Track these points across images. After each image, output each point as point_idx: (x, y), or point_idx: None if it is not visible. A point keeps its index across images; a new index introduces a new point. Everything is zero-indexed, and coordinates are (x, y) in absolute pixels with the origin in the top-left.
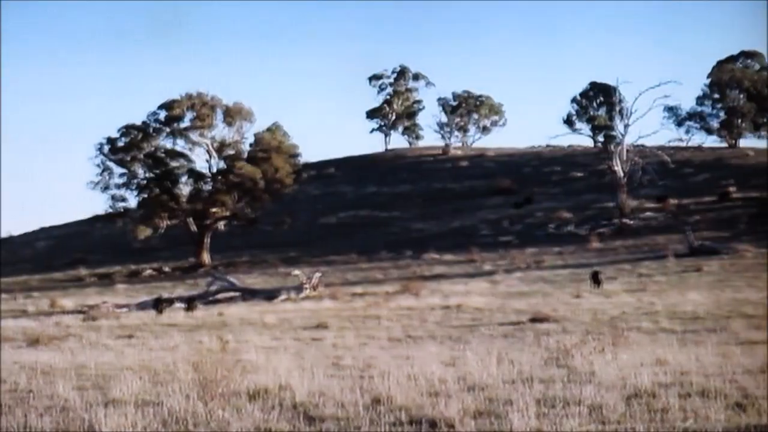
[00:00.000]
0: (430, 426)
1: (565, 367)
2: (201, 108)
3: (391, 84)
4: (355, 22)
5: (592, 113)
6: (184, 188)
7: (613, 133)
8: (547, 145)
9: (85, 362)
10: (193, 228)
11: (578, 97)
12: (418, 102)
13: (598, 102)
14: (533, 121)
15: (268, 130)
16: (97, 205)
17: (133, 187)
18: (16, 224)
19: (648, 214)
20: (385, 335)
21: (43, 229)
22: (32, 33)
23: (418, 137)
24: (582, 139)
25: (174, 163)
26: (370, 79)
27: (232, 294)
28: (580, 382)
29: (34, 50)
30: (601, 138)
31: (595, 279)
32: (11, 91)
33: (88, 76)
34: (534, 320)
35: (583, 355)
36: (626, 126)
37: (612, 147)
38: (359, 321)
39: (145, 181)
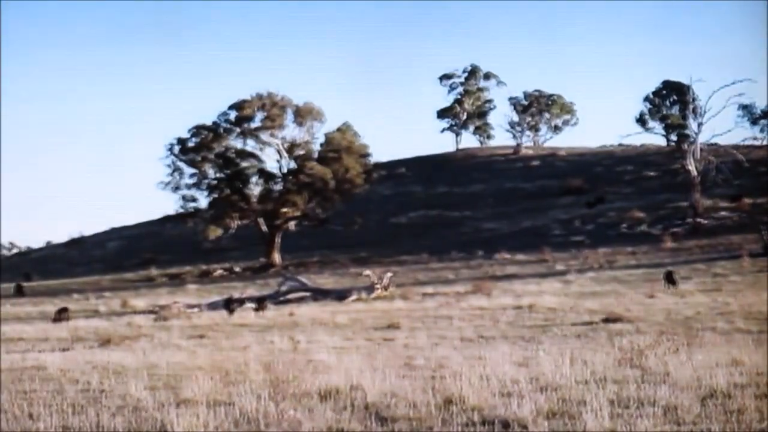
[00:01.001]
0: (503, 426)
1: (639, 367)
2: (271, 108)
3: (462, 83)
4: (425, 21)
5: (665, 112)
6: (255, 188)
7: (687, 131)
8: (620, 144)
9: (157, 362)
10: (264, 228)
11: (651, 96)
12: (489, 101)
13: (671, 100)
14: (605, 120)
15: (339, 130)
16: (168, 205)
17: (204, 188)
18: (88, 225)
19: (722, 213)
20: (457, 335)
21: (114, 230)
22: (102, 32)
23: (489, 137)
24: (655, 138)
25: (244, 164)
26: (441, 78)
27: (302, 294)
28: (654, 383)
29: (108, 50)
30: (674, 137)
31: (670, 279)
32: (82, 92)
33: (158, 76)
34: (607, 320)
35: (657, 355)
36: (700, 125)
37: (685, 146)
38: (431, 321)
39: (215, 182)
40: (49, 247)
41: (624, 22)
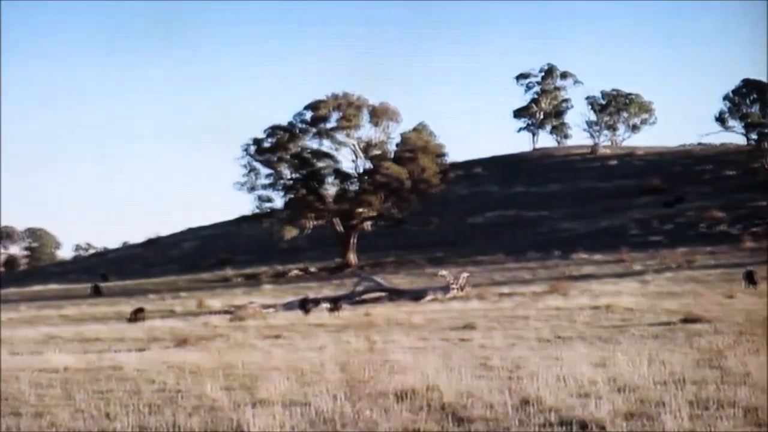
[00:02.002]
0: (580, 427)
1: (718, 368)
2: (347, 108)
3: (538, 83)
4: (502, 20)
5: (745, 111)
6: (331, 188)
7: (767, 130)
8: (699, 144)
9: (233, 362)
10: (340, 228)
11: (731, 95)
12: (566, 101)
13: (751, 99)
14: (684, 119)
15: (414, 129)
16: (244, 205)
17: (280, 188)
18: (164, 225)
19: None
20: (534, 336)
21: (190, 230)
22: (178, 33)
23: (566, 136)
24: (735, 137)
25: (320, 164)
26: (518, 77)
27: (378, 294)
28: (734, 384)
29: (185, 52)
30: (754, 136)
31: (750, 278)
32: (159, 94)
33: (235, 77)
34: (685, 321)
35: (736, 356)
36: None
37: (765, 145)
38: (507, 321)
39: (291, 182)
40: (126, 248)
41: (703, 21)
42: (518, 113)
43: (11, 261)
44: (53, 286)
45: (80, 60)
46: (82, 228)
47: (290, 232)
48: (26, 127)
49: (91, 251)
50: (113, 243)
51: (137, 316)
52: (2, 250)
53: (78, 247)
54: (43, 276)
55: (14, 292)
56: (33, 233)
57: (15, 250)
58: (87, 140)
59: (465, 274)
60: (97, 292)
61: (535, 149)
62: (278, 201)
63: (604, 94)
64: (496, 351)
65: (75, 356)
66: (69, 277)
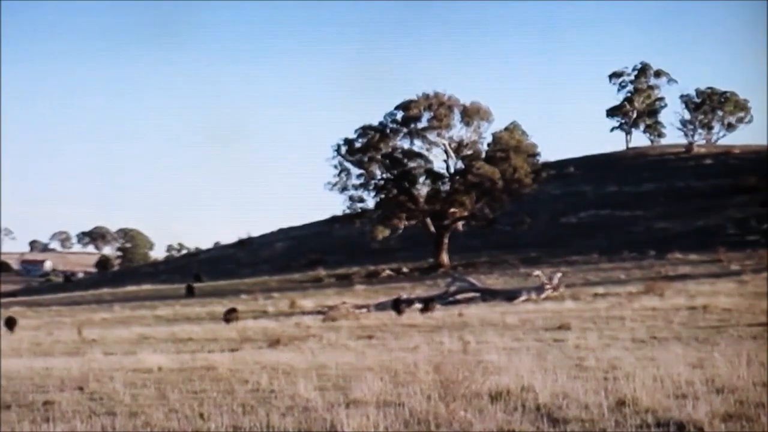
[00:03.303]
0: (677, 429)
1: None
2: (438, 108)
3: (631, 81)
4: (596, 19)
5: None
6: (422, 189)
7: None
8: None
9: (326, 363)
10: (432, 228)
11: None
12: (660, 99)
13: None
14: None
15: (507, 129)
16: (335, 206)
17: (371, 188)
18: (256, 225)
19: None
20: (629, 336)
21: (281, 230)
22: (260, 33)
23: (660, 135)
24: None
25: (412, 164)
26: (611, 76)
27: (471, 295)
28: None
29: (275, 53)
30: None
31: None
32: (254, 95)
33: (325, 77)
34: None
35: None
36: None
37: None
38: (602, 322)
39: (382, 182)
40: (218, 248)
41: None
42: (611, 112)
43: (104, 261)
44: (146, 287)
45: (166, 60)
46: (174, 228)
47: (382, 233)
48: (120, 129)
49: (184, 252)
50: (205, 243)
51: (230, 316)
52: (96, 251)
53: (170, 248)
54: (136, 276)
55: (108, 293)
56: (126, 234)
57: (108, 250)
58: (181, 142)
59: (559, 274)
60: (190, 293)
61: (628, 148)
62: (370, 201)
63: (698, 93)
64: (591, 351)
65: (168, 356)
66: (161, 278)
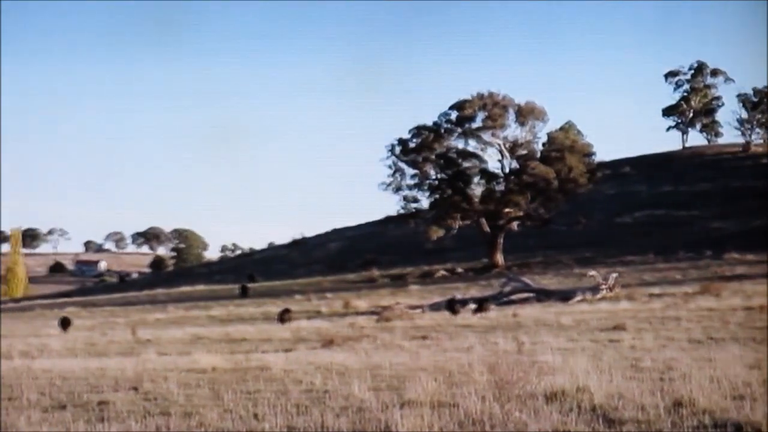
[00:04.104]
0: (735, 430)
1: None
2: (493, 108)
3: (688, 81)
4: (651, 19)
5: None
6: (477, 189)
7: None
8: None
9: (380, 363)
10: (486, 228)
11: None
12: (717, 99)
13: None
14: None
15: (561, 129)
16: (389, 206)
17: (425, 188)
18: (310, 226)
19: None
20: (685, 337)
21: (335, 231)
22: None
23: (717, 134)
24: None
25: (466, 164)
26: (666, 76)
27: (526, 295)
28: None
29: (335, 54)
30: None
31: None
32: (309, 98)
33: (379, 78)
34: None
35: None
36: None
37: None
38: (657, 322)
39: (437, 182)
40: (272, 249)
41: None
42: (667, 112)
43: (158, 262)
44: (200, 287)
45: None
46: (228, 229)
47: (436, 233)
48: (176, 130)
49: (238, 252)
50: (259, 244)
51: (284, 316)
52: (150, 251)
53: (224, 248)
54: (190, 277)
55: (162, 293)
56: (180, 234)
57: (162, 251)
58: (235, 143)
59: (614, 275)
60: (244, 293)
61: (684, 148)
62: (424, 201)
63: (756, 92)
64: (646, 352)
65: (223, 356)
66: (215, 278)
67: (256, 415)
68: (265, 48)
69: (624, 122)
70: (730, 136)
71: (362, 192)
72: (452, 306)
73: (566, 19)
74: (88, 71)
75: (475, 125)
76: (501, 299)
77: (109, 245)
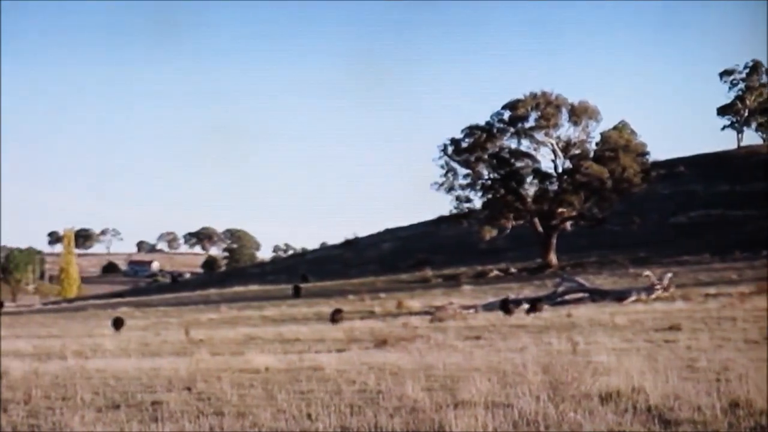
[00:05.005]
0: None
1: None
2: (546, 107)
3: (743, 79)
4: (705, 17)
5: None
6: (530, 188)
7: None
8: None
9: (433, 363)
10: (540, 228)
11: None
12: None
13: None
14: None
15: (615, 128)
16: (442, 206)
17: (478, 188)
18: (362, 226)
19: None
20: (741, 337)
21: (388, 231)
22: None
23: None
24: None
25: (519, 164)
26: (722, 74)
27: (580, 295)
28: None
29: (390, 54)
30: None
31: None
32: (361, 96)
33: (432, 78)
34: None
35: None
36: None
37: None
38: (713, 322)
39: (489, 182)
40: (324, 249)
41: None
42: (722, 111)
43: (211, 262)
44: (253, 287)
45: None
46: (280, 229)
47: (489, 233)
48: (229, 130)
49: (290, 252)
50: (312, 244)
51: (337, 316)
52: (202, 251)
53: (277, 248)
54: (243, 277)
55: (214, 293)
56: (232, 234)
57: (215, 251)
58: (292, 143)
59: (669, 275)
60: (296, 293)
61: (740, 147)
62: (477, 201)
63: None
64: (702, 352)
65: (276, 357)
66: (268, 278)
67: (309, 416)
68: (306, 49)
69: (679, 121)
70: None
71: (415, 192)
72: (506, 306)
73: (620, 18)
74: (138, 70)
75: (528, 125)
76: (555, 299)
77: (162, 245)
